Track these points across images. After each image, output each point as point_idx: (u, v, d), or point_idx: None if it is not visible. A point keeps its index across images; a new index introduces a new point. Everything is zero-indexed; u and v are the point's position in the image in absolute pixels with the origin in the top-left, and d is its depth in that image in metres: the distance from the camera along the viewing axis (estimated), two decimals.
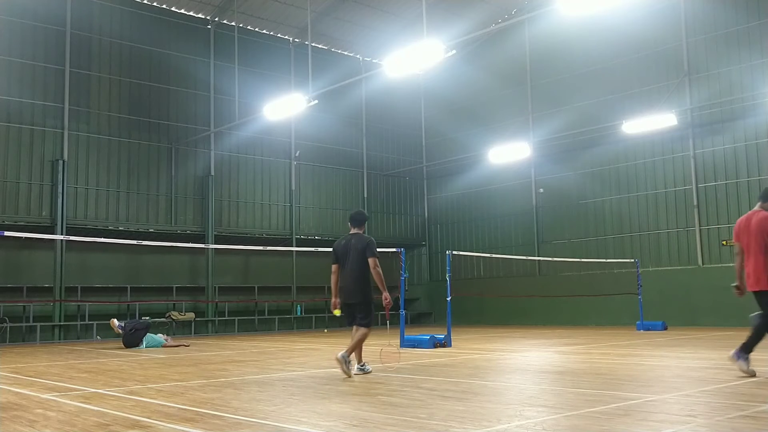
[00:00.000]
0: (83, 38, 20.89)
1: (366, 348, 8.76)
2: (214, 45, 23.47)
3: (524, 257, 22.30)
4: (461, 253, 18.53)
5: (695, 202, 21.05)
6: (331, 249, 8.84)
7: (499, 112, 26.12)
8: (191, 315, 21.65)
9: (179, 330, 21.18)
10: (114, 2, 21.57)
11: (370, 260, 8.31)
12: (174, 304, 21.80)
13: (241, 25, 23.81)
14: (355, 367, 8.31)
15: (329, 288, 28.54)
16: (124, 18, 21.83)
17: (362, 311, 8.33)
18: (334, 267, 8.60)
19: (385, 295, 8.28)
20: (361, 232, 8.80)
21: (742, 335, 7.57)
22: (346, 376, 7.93)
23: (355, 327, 8.31)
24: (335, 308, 8.39)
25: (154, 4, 22.46)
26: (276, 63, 24.79)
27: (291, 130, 24.77)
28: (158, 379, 8.36)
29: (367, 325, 8.30)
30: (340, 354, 8.04)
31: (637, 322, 18.56)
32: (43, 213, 19.67)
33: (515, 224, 25.59)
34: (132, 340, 14.86)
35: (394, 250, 15.35)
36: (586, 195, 23.69)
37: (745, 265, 7.53)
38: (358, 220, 8.84)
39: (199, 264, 22.42)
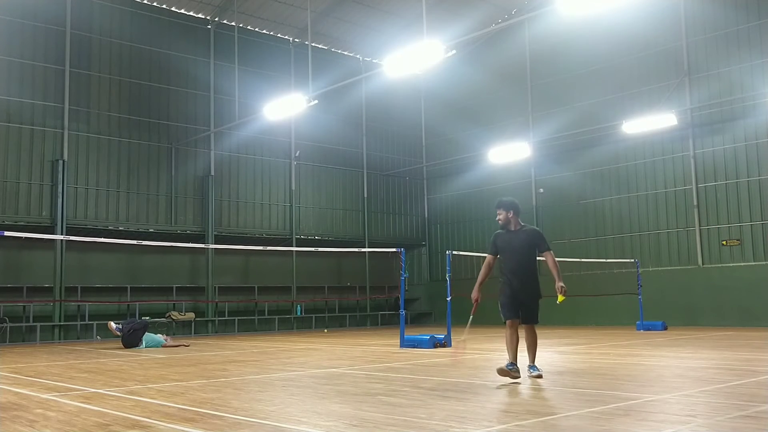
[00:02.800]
0: (83, 38, 20.89)
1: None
2: (214, 45, 23.47)
3: None
4: (461, 253, 18.51)
5: (695, 202, 21.06)
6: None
7: (499, 112, 26.11)
8: (191, 315, 21.65)
9: (179, 330, 21.18)
10: (114, 2, 21.57)
11: None
12: (174, 304, 21.81)
13: (241, 25, 23.80)
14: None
15: (329, 288, 28.31)
16: (124, 18, 21.83)
17: None
18: None
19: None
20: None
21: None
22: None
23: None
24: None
25: (154, 4, 22.46)
26: (276, 63, 24.79)
27: (291, 130, 24.76)
28: (158, 379, 8.36)
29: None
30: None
31: (637, 322, 18.55)
32: (43, 213, 19.66)
33: None
34: (131, 340, 14.85)
35: (394, 250, 15.35)
36: (586, 195, 23.69)
37: None
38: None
39: (199, 264, 22.42)
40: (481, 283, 7.71)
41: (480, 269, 7.92)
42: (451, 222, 27.86)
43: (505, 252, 7.79)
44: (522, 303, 7.58)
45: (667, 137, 21.46)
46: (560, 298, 7.34)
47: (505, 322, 7.66)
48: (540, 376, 7.46)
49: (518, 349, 7.53)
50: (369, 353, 12.13)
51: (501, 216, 7.85)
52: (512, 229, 7.84)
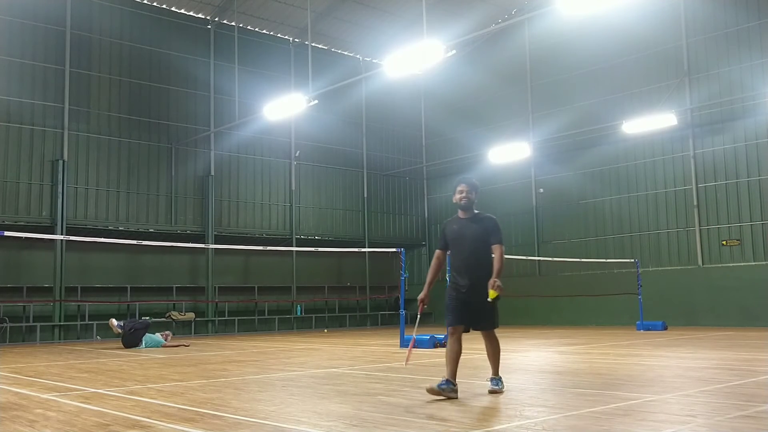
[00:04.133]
0: (83, 38, 20.89)
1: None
2: (214, 45, 23.47)
3: (524, 257, 22.29)
4: None
5: (695, 202, 21.06)
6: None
7: (499, 112, 26.11)
8: (191, 315, 21.65)
9: (179, 330, 21.17)
10: (114, 2, 21.57)
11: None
12: (174, 304, 21.80)
13: (241, 25, 23.80)
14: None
15: (329, 287, 28.12)
16: (124, 18, 21.83)
17: None
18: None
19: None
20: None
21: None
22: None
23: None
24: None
25: (154, 4, 22.46)
26: (276, 63, 24.79)
27: (291, 130, 24.76)
28: (158, 379, 8.36)
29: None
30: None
31: (637, 322, 18.55)
32: (43, 213, 19.66)
33: (515, 224, 25.57)
34: (132, 339, 14.84)
35: (394, 250, 15.35)
36: (586, 195, 23.69)
37: None
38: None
39: (199, 264, 22.42)
40: (430, 284, 6.62)
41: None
42: None
43: (455, 244, 6.53)
44: (473, 306, 6.38)
45: (667, 137, 21.46)
46: (492, 294, 6.16)
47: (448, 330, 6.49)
48: (500, 392, 6.33)
49: (459, 363, 6.36)
50: (369, 353, 12.13)
51: (463, 194, 6.45)
52: (462, 216, 6.56)
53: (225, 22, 23.63)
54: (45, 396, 6.85)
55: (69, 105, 20.38)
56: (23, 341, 18.67)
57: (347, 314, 25.76)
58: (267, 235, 24.08)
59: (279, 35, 25.23)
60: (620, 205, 22.83)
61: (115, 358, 12.22)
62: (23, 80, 19.77)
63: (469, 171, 26.55)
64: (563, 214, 24.29)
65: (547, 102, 24.88)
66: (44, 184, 19.82)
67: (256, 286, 23.69)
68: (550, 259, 22.11)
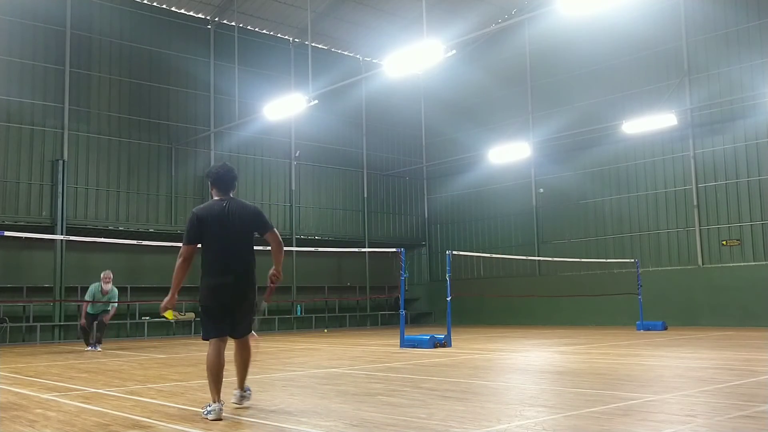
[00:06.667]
0: (83, 38, 20.89)
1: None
2: (214, 45, 23.46)
3: (524, 257, 22.29)
4: (461, 253, 18.50)
5: (695, 202, 21.06)
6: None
7: (499, 112, 26.11)
8: (191, 315, 21.62)
9: (179, 330, 21.17)
10: (114, 2, 21.57)
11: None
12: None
13: (241, 25, 23.80)
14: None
15: (329, 288, 27.92)
16: (124, 18, 21.83)
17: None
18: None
19: None
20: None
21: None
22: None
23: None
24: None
25: (154, 4, 22.46)
26: (276, 63, 24.79)
27: (291, 130, 24.76)
28: (158, 379, 8.36)
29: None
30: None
31: (637, 322, 18.56)
32: (43, 213, 19.66)
33: (515, 224, 25.59)
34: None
35: (394, 250, 15.35)
36: (586, 195, 23.69)
37: None
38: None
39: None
40: (179, 287, 5.80)
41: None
42: (451, 222, 27.85)
43: (220, 231, 5.63)
44: (235, 309, 5.58)
45: (667, 137, 21.46)
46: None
47: (206, 340, 5.56)
48: (246, 398, 5.70)
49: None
50: (369, 353, 12.13)
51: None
52: (222, 198, 5.82)
53: (225, 22, 23.62)
54: (45, 396, 6.85)
55: (69, 105, 20.37)
56: (23, 341, 18.67)
57: (347, 314, 25.74)
58: None
59: (279, 35, 25.23)
60: (620, 205, 22.83)
61: (115, 358, 12.23)
62: (23, 80, 19.76)
63: (469, 171, 26.61)
64: (563, 214, 24.29)
65: (547, 102, 24.88)
66: (44, 184, 19.81)
67: (256, 286, 23.63)
68: (550, 259, 22.11)
